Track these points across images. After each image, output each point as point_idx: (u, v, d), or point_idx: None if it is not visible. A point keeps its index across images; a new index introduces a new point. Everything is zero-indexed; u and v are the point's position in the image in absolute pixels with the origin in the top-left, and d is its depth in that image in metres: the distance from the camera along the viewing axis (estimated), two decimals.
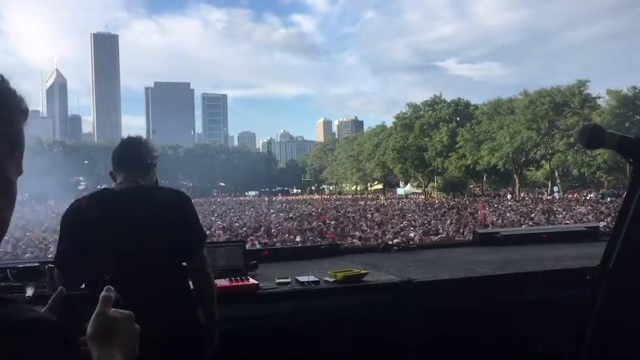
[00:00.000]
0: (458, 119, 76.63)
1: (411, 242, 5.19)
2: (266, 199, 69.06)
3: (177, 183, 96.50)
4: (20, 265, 3.62)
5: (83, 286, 2.58)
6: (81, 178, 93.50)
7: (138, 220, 2.49)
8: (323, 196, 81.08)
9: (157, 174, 2.80)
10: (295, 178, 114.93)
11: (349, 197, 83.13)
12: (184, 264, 2.65)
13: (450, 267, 3.74)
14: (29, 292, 3.08)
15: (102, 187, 2.69)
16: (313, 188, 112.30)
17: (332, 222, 28.45)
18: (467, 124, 71.61)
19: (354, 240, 18.96)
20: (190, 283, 2.66)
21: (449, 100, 79.78)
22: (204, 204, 62.27)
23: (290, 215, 36.66)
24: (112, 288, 1.11)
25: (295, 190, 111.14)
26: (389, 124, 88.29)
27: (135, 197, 2.56)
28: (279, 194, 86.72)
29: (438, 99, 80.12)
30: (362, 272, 3.45)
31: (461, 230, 20.95)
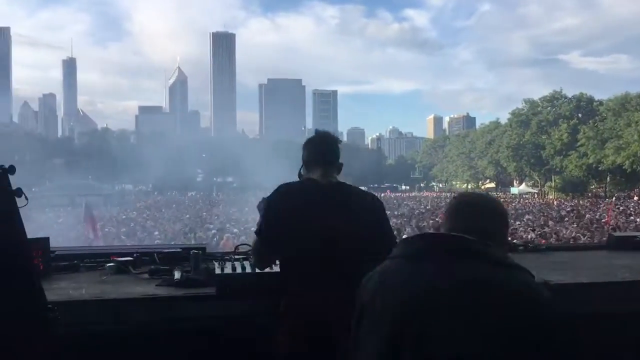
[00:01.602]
0: (580, 115, 72.43)
1: (539, 244, 5.00)
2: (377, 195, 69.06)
3: (287, 179, 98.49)
4: (166, 250, 3.97)
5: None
6: (199, 170, 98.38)
7: (338, 215, 2.63)
8: (432, 194, 79.88)
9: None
10: (404, 175, 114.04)
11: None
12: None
13: (586, 271, 3.60)
14: (177, 275, 3.37)
15: (307, 177, 2.84)
16: (422, 185, 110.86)
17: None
18: (590, 121, 67.48)
19: None
20: None
21: (570, 96, 75.58)
22: None
23: (398, 213, 36.48)
24: None
25: (403, 187, 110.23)
26: (503, 120, 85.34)
27: (339, 193, 2.73)
28: (388, 191, 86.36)
29: (558, 95, 76.15)
30: None
31: (584, 234, 19.78)
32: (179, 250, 3.90)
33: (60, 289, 3.00)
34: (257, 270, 3.03)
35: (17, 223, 1.87)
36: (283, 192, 2.76)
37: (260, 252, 2.82)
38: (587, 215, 31.13)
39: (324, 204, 2.66)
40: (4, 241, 1.82)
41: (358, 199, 2.75)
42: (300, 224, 2.64)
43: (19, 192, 1.90)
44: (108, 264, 3.64)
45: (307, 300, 2.58)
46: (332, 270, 2.56)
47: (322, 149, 2.85)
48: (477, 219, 1.90)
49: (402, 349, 1.68)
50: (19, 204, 1.88)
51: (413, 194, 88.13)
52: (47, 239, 3.50)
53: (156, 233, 24.25)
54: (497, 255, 1.73)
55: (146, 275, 3.50)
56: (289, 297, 2.67)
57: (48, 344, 1.94)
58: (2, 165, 1.81)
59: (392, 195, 77.22)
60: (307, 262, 2.63)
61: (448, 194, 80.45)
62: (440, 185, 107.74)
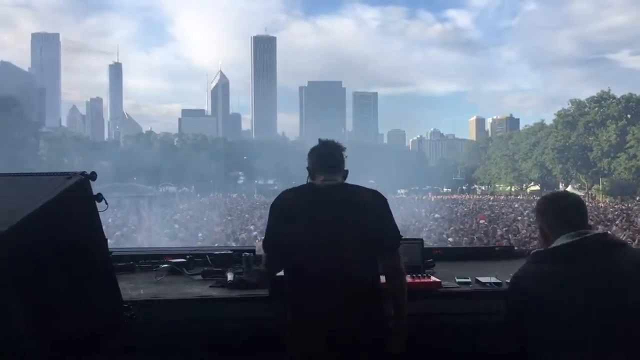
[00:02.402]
0: (629, 116, 70.14)
1: None
2: (415, 197, 68.54)
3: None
4: (217, 252, 4.05)
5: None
6: (240, 173, 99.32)
7: (337, 215, 2.68)
8: (474, 196, 78.61)
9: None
10: (445, 177, 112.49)
11: (502, 197, 79.61)
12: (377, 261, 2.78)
13: None
14: (230, 276, 3.44)
15: (308, 181, 2.93)
16: (464, 187, 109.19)
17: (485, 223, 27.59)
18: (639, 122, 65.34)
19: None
20: (382, 277, 2.80)
21: (618, 96, 73.28)
22: None
23: (439, 215, 36.05)
24: None
25: (445, 190, 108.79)
26: (548, 122, 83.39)
27: (337, 193, 2.76)
28: (429, 194, 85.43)
29: (606, 95, 73.86)
30: None
31: (635, 238, 19.17)
32: (230, 252, 3.98)
33: (120, 290, 3.10)
34: None
35: (98, 227, 1.96)
36: (281, 199, 2.83)
37: (268, 264, 2.89)
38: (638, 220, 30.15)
39: (321, 206, 2.70)
40: (87, 244, 1.91)
41: (357, 197, 2.76)
42: (298, 227, 2.69)
43: (100, 197, 1.99)
44: (162, 265, 3.75)
45: (312, 307, 2.63)
46: (333, 271, 2.61)
47: (324, 156, 2.90)
48: (584, 216, 2.32)
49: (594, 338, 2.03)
50: (99, 209, 1.97)
51: (455, 196, 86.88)
52: (105, 241, 3.63)
53: (200, 235, 24.60)
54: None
55: (199, 277, 3.59)
56: (294, 305, 2.72)
57: (124, 340, 2.03)
58: (84, 172, 1.90)
59: (433, 198, 76.22)
60: (308, 266, 2.68)
61: (490, 197, 79.14)
62: (483, 188, 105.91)
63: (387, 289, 2.78)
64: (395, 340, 2.73)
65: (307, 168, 2.97)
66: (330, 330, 2.58)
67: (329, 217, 2.67)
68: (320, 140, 3.01)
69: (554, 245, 2.28)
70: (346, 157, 2.97)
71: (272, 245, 2.81)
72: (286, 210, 2.78)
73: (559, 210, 2.33)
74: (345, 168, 2.95)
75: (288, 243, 2.72)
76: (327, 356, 2.60)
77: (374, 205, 2.76)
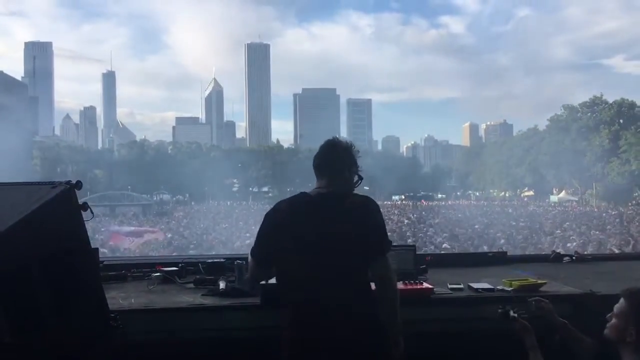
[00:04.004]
0: (621, 121, 70.53)
1: (585, 254, 4.90)
2: (410, 204, 68.58)
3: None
4: (209, 261, 4.04)
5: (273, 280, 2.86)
6: (235, 180, 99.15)
7: (326, 224, 2.68)
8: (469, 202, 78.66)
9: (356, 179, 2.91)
10: (440, 183, 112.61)
11: (496, 203, 79.72)
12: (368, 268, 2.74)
13: (635, 281, 3.53)
14: (222, 285, 3.43)
15: (302, 191, 2.90)
16: (459, 193, 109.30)
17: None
18: (632, 127, 65.66)
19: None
20: (372, 285, 2.76)
21: (610, 101, 73.71)
22: None
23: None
24: None
25: (439, 196, 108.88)
26: (541, 127, 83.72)
27: (325, 202, 2.75)
28: (422, 200, 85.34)
29: (598, 100, 74.29)
30: (540, 282, 3.37)
31: (629, 243, 19.23)
32: (222, 260, 3.96)
33: (111, 298, 3.08)
34: None
35: (84, 236, 1.94)
36: (274, 209, 2.82)
37: (253, 271, 2.89)
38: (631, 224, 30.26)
39: (310, 215, 2.70)
40: (72, 254, 1.89)
41: (347, 205, 2.74)
42: (286, 237, 2.69)
43: (85, 206, 1.97)
44: (154, 274, 3.73)
45: (305, 317, 2.62)
46: (324, 279, 2.61)
47: (321, 161, 2.87)
48: None
49: None
50: (85, 218, 1.96)
51: (449, 202, 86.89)
52: (96, 249, 3.61)
53: (193, 244, 24.53)
54: None
55: (191, 285, 3.57)
56: (289, 314, 2.69)
57: (111, 350, 2.01)
58: (70, 181, 1.88)
59: (426, 204, 76.14)
60: (298, 275, 2.67)
61: (485, 202, 79.23)
62: (477, 194, 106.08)
63: (378, 298, 2.72)
64: (395, 352, 2.70)
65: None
66: (325, 338, 2.57)
67: (318, 226, 2.67)
68: (323, 143, 2.94)
69: None
70: (359, 156, 2.91)
71: (258, 253, 2.81)
72: (277, 220, 2.77)
73: None
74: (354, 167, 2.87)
75: (277, 252, 2.72)
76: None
77: (364, 212, 2.74)
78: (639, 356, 2.43)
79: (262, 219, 2.82)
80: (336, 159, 2.84)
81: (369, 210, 2.76)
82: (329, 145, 2.88)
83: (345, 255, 2.66)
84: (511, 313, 2.82)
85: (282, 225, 2.74)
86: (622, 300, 2.58)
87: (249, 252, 2.88)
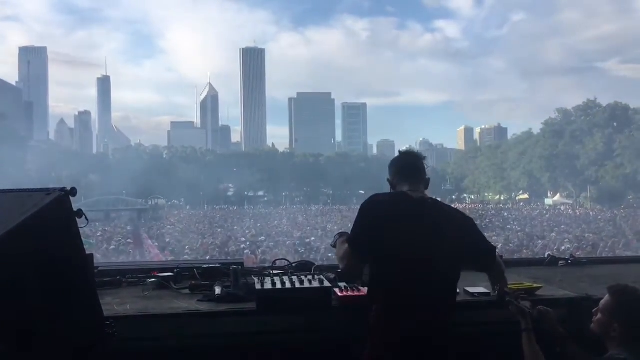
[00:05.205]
0: (615, 124, 70.92)
1: (581, 257, 4.91)
2: None
3: (318, 191, 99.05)
4: (205, 266, 4.01)
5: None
6: (230, 185, 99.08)
7: (434, 229, 2.71)
8: (464, 205, 78.87)
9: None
10: (435, 187, 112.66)
11: (491, 207, 79.93)
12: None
13: (630, 284, 3.53)
14: (217, 290, 3.41)
15: (400, 190, 2.92)
16: (454, 197, 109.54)
17: None
18: (626, 130, 66.01)
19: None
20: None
21: (604, 105, 74.08)
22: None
23: None
24: None
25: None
26: (536, 131, 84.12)
27: (433, 207, 2.82)
28: None
29: (592, 103, 74.77)
30: (536, 285, 3.37)
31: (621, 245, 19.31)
32: (218, 265, 3.94)
33: (106, 305, 3.06)
34: (297, 286, 3.07)
35: (78, 243, 1.93)
36: (375, 202, 2.83)
37: (349, 259, 2.81)
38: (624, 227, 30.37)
39: (416, 219, 2.72)
40: (67, 261, 1.88)
41: (450, 217, 2.84)
42: (391, 233, 2.68)
43: (80, 213, 1.96)
44: (149, 280, 3.71)
45: (403, 316, 2.64)
46: (427, 290, 2.64)
47: (405, 166, 2.96)
48: None
49: None
50: (79, 225, 1.95)
51: None
52: (91, 255, 3.59)
53: (187, 249, 24.48)
54: None
55: (187, 291, 3.56)
56: (384, 309, 2.69)
57: (106, 357, 2.00)
58: (64, 188, 1.87)
59: None
60: (402, 280, 2.67)
61: (480, 206, 79.39)
62: (472, 197, 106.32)
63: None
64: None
65: (388, 180, 3.03)
66: (418, 347, 2.62)
67: (426, 230, 2.69)
68: (400, 152, 3.09)
69: None
70: (428, 168, 3.05)
71: (358, 245, 2.76)
72: (380, 214, 2.76)
73: None
74: (427, 177, 3.01)
75: (381, 249, 2.69)
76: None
77: (465, 225, 2.86)
78: (623, 350, 2.48)
79: (361, 211, 2.79)
80: (415, 165, 2.98)
81: (468, 219, 2.92)
82: (405, 154, 3.08)
83: (453, 263, 2.75)
84: (507, 298, 2.93)
85: (381, 217, 2.74)
86: (607, 296, 2.65)
87: (345, 240, 2.84)
